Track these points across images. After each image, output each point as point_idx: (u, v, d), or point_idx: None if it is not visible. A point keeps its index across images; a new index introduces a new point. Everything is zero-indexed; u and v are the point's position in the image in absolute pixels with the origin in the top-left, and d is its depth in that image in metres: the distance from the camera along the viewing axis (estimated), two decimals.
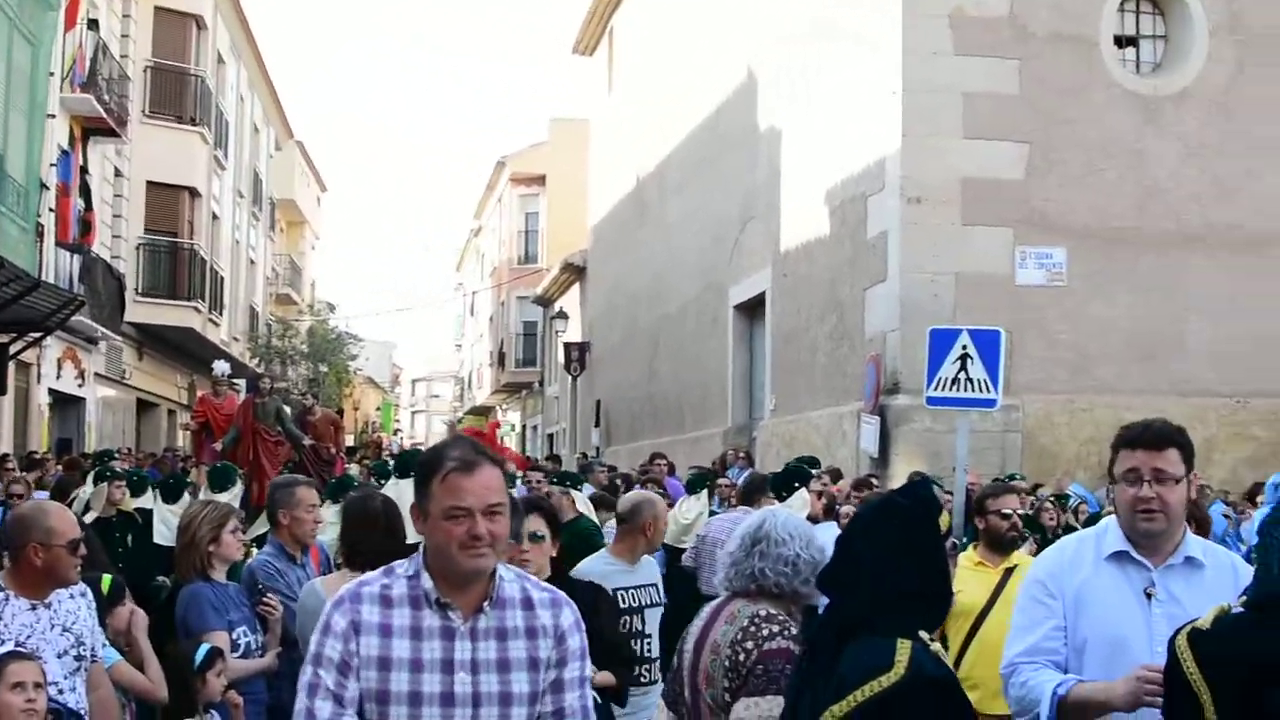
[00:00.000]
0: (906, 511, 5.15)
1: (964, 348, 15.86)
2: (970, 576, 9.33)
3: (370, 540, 8.00)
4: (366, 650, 4.76)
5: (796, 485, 14.11)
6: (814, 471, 15.96)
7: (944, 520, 5.26)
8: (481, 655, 4.83)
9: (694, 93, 36.74)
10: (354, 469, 26.85)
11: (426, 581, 4.85)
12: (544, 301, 63.09)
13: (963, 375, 15.82)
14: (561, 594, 5.10)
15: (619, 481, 22.97)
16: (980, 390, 15.87)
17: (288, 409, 26.09)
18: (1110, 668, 5.63)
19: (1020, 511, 10.01)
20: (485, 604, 4.86)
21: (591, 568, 9.58)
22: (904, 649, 4.74)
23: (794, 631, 6.12)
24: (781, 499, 13.53)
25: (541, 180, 68.51)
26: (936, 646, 4.89)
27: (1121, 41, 24.81)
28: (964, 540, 13.44)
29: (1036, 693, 5.78)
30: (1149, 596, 5.81)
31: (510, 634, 4.88)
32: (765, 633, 6.09)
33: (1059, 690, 5.65)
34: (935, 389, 16.09)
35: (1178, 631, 4.83)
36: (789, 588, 6.27)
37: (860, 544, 5.13)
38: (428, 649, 4.79)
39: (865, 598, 4.94)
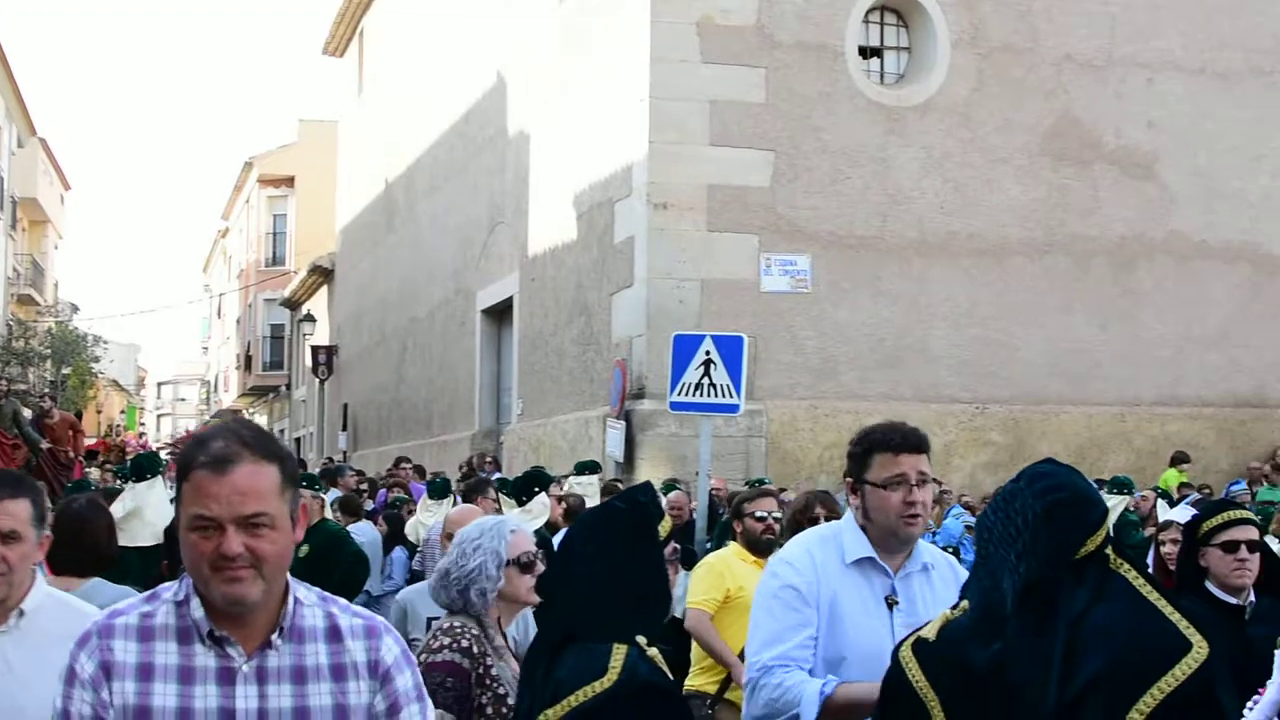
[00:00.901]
0: (626, 517, 5.13)
1: (707, 353, 15.91)
2: (748, 572, 9.39)
3: (60, 548, 7.48)
4: (121, 699, 3.74)
5: (536, 490, 14.08)
6: (555, 476, 15.96)
7: (665, 526, 5.24)
8: (272, 704, 3.82)
9: (443, 96, 36.59)
10: (94, 472, 26.37)
11: (197, 609, 3.82)
12: (291, 304, 62.43)
13: (706, 380, 15.87)
14: (380, 620, 4.06)
15: (363, 486, 22.84)
16: (723, 395, 15.93)
17: (25, 411, 25.54)
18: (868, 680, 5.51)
19: (774, 515, 10.06)
20: (275, 636, 3.84)
21: (420, 588, 9.13)
22: (619, 654, 4.72)
23: (466, 644, 6.11)
24: (521, 503, 13.49)
25: (290, 182, 67.72)
26: (654, 651, 4.88)
27: (866, 52, 25.14)
28: (708, 544, 13.52)
29: (795, 693, 5.66)
30: (891, 605, 5.81)
31: (311, 675, 3.87)
32: (435, 645, 6.12)
33: (825, 690, 5.58)
34: (679, 394, 16.12)
35: (901, 641, 4.83)
36: (462, 598, 6.30)
37: (580, 549, 5.10)
38: (200, 696, 3.78)
39: (583, 602, 4.91)
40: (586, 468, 18.45)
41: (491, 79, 32.61)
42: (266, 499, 3.77)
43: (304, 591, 3.96)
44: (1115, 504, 17.43)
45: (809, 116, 24.17)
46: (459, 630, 6.13)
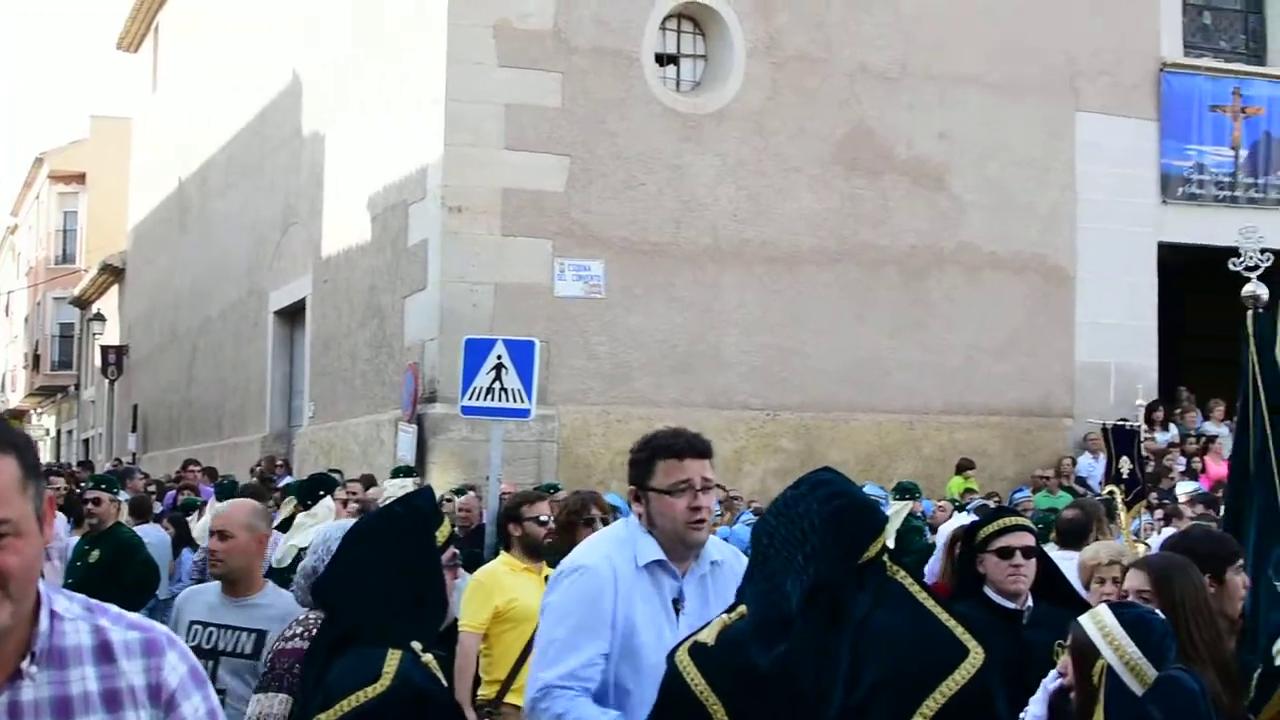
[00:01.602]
0: (403, 522, 5.09)
1: (499, 357, 15.84)
2: (519, 582, 9.34)
3: None
4: None
5: (321, 493, 13.95)
6: (341, 479, 15.85)
7: (443, 531, 5.19)
8: None
9: (239, 94, 36.19)
10: None
11: None
12: (82, 303, 61.45)
13: (497, 385, 15.81)
14: (162, 633, 3.34)
15: (152, 489, 22.57)
16: (514, 400, 15.87)
17: None
18: None
19: (546, 518, 10.00)
20: (26, 663, 3.14)
21: (193, 590, 8.46)
22: (393, 659, 4.70)
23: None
24: (306, 507, 13.37)
25: (81, 179, 66.66)
26: (429, 658, 4.84)
27: (663, 59, 25.22)
28: (495, 548, 13.48)
29: None
30: (677, 609, 5.79)
31: (78, 707, 3.17)
32: (288, 634, 6.10)
33: None
34: (470, 398, 16.05)
35: (677, 646, 4.81)
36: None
37: (356, 552, 5.07)
38: None
39: (359, 606, 4.88)
40: (402, 472, 18.44)
41: (287, 78, 32.31)
42: (6, 501, 3.08)
43: (64, 603, 3.25)
44: (900, 509, 17.68)
45: (604, 122, 24.20)
46: (312, 622, 6.10)
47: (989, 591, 7.18)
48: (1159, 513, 18.29)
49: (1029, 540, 7.25)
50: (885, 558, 4.63)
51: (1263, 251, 9.04)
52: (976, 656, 4.38)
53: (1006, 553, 7.15)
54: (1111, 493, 16.18)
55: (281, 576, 12.83)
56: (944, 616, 4.50)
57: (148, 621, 3.38)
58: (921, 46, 26.22)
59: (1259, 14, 29.78)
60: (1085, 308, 27.09)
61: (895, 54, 26.10)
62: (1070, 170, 27.22)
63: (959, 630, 4.46)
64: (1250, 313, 8.81)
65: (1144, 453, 19.41)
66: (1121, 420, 21.85)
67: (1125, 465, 16.73)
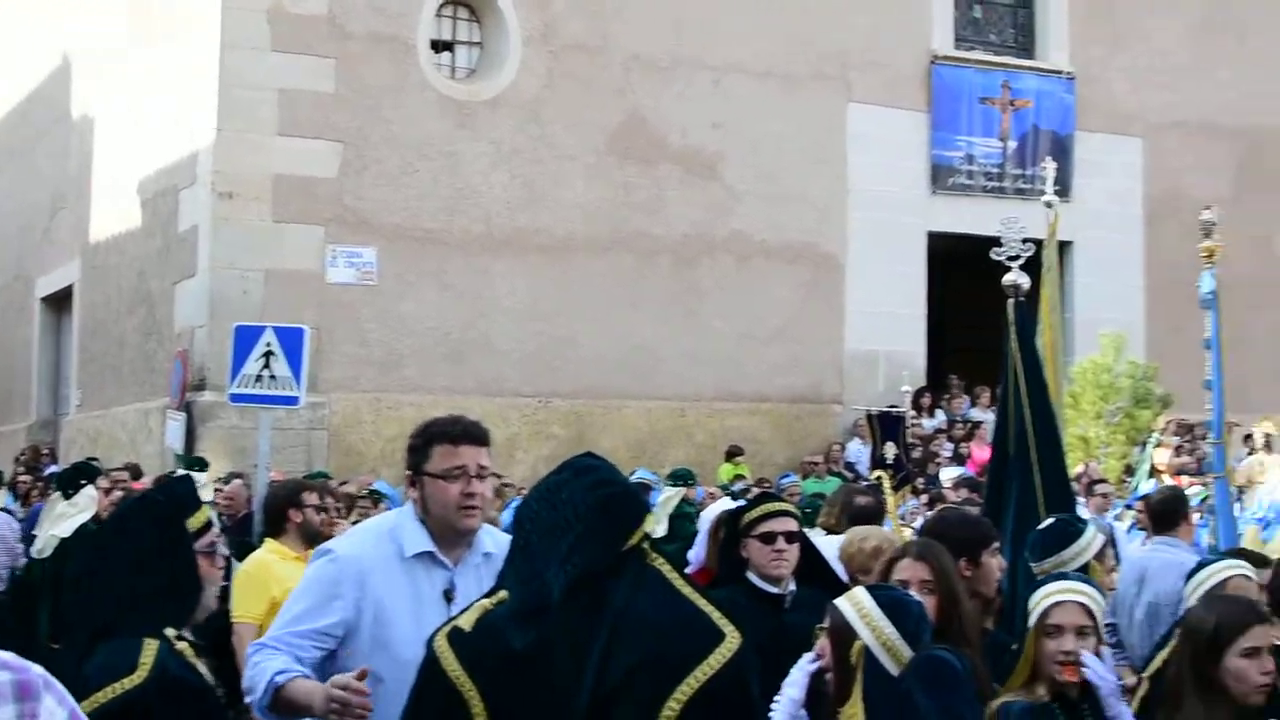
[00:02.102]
0: (157, 508, 5.05)
1: (268, 345, 15.70)
2: (290, 571, 9.22)
3: None
4: None
5: (83, 482, 13.72)
6: (103, 468, 15.62)
7: (199, 517, 5.14)
8: None
9: (6, 76, 35.44)
10: None
11: None
12: None
13: (266, 372, 15.67)
14: (38, 674, 2.99)
15: None
16: (284, 388, 15.74)
17: None
18: None
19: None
20: None
21: None
22: (150, 650, 4.66)
23: None
24: (67, 496, 13.16)
25: None
26: (184, 645, 4.81)
27: (438, 46, 25.14)
28: (261, 537, 13.40)
29: (260, 677, 5.56)
30: (449, 600, 5.75)
31: None
32: None
33: (277, 679, 5.50)
34: (239, 386, 15.89)
35: (436, 631, 4.80)
36: None
37: (110, 541, 5.01)
38: None
39: (115, 595, 4.82)
40: (196, 464, 18.20)
41: (57, 60, 31.74)
42: None
43: None
44: (673, 496, 17.82)
45: (379, 108, 24.07)
46: None
47: (751, 576, 7.28)
48: (924, 497, 18.63)
49: (792, 525, 7.36)
50: (645, 545, 4.65)
51: (1024, 241, 9.25)
52: (732, 641, 4.41)
53: (769, 538, 7.25)
54: (879, 478, 16.50)
55: (42, 567, 12.68)
56: (701, 602, 4.52)
57: (21, 661, 3.01)
58: (695, 35, 26.36)
59: (1028, 8, 30.32)
60: (855, 296, 27.44)
61: (668, 43, 26.23)
62: (842, 160, 27.54)
63: (716, 615, 4.48)
64: (1011, 301, 9.04)
65: (911, 438, 19.87)
66: (889, 407, 22.32)
67: (890, 451, 17.10)
